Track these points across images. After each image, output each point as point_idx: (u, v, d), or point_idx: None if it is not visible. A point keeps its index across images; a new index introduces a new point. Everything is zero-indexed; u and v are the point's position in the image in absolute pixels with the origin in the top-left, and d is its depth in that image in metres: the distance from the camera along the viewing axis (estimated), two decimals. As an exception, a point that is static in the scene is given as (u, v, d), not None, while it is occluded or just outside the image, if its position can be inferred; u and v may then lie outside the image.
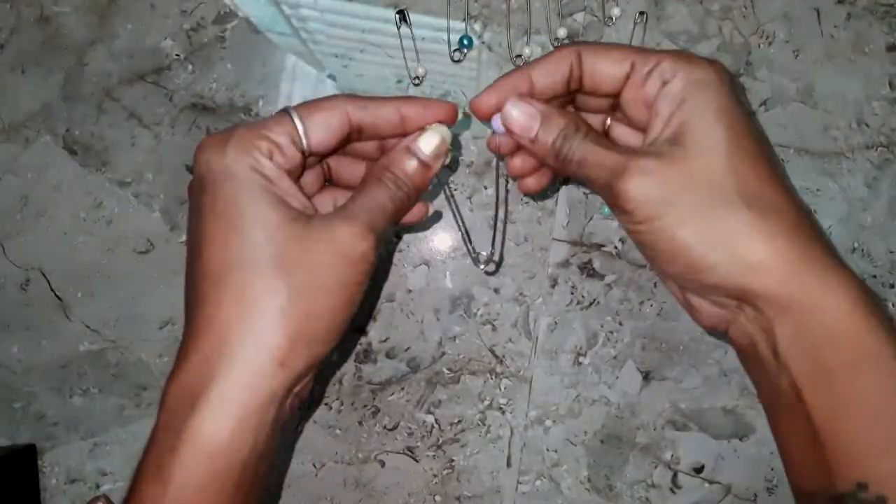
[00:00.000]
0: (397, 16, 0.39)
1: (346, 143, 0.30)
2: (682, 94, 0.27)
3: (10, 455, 0.41)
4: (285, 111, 0.28)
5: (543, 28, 0.41)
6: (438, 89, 0.41)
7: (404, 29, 0.40)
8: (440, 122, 0.30)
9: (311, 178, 0.32)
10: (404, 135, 0.30)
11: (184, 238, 0.41)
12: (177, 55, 0.41)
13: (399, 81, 0.41)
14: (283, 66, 0.41)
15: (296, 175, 0.29)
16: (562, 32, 0.40)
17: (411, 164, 0.29)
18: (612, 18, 0.41)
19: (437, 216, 0.41)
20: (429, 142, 0.29)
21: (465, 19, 0.41)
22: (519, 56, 0.41)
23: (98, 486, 0.42)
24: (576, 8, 0.41)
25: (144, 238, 0.42)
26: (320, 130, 0.28)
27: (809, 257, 0.26)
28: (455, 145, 0.32)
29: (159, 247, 0.42)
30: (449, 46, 0.41)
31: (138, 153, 0.41)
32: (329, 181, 0.34)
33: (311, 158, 0.30)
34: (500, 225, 0.40)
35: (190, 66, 0.41)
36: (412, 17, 0.40)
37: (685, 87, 0.27)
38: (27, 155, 0.41)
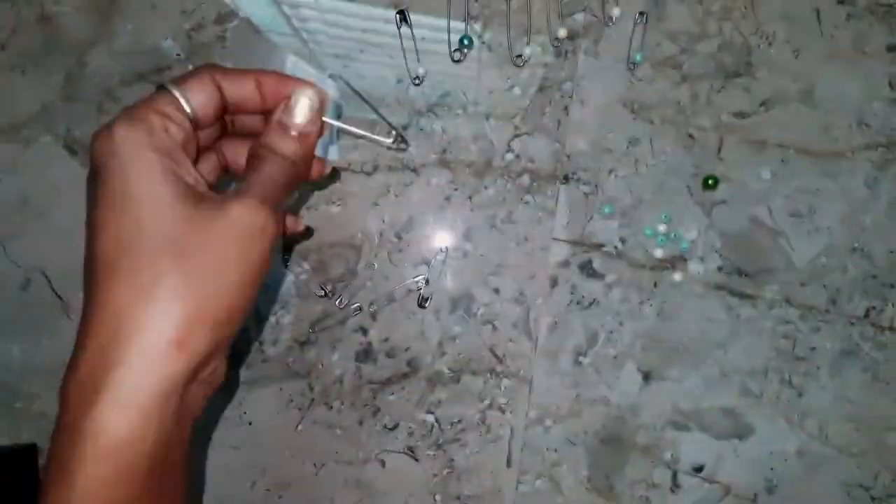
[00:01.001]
0: (397, 16, 0.39)
1: (222, 112, 0.29)
2: None
3: (11, 455, 0.41)
4: (160, 86, 0.27)
5: (543, 28, 0.41)
6: (439, 89, 0.41)
7: (404, 29, 0.40)
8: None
9: (207, 167, 0.31)
10: (265, 110, 0.30)
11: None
12: (177, 55, 0.41)
13: (399, 81, 0.41)
14: (283, 67, 0.41)
15: (191, 152, 0.28)
16: (562, 32, 0.40)
17: (286, 137, 0.29)
18: (612, 18, 0.41)
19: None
20: (298, 111, 0.29)
21: (465, 19, 0.41)
22: (519, 56, 0.41)
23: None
24: (576, 8, 0.41)
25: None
26: (199, 98, 0.27)
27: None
28: (335, 113, 0.32)
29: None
30: (449, 46, 0.41)
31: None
32: (226, 171, 0.33)
33: (200, 134, 0.29)
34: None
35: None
36: (412, 17, 0.40)
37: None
38: (27, 155, 0.41)
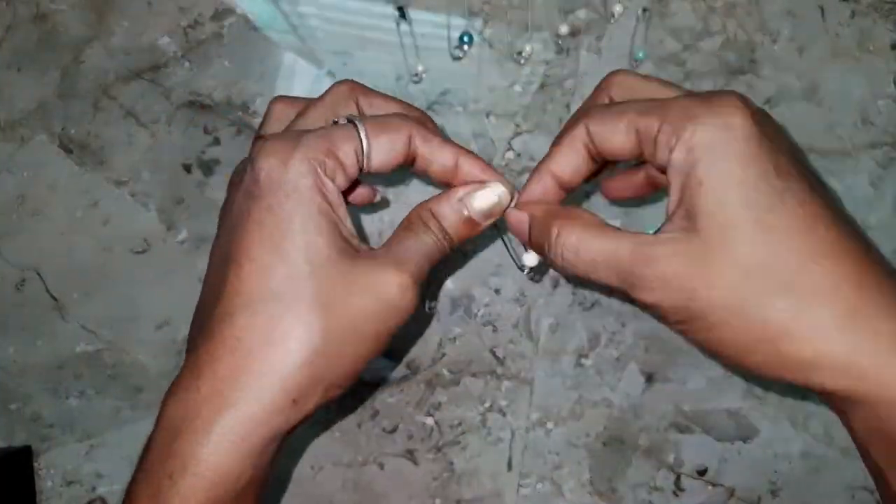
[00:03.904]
0: (397, 12, 0.39)
1: (399, 168, 0.28)
2: (685, 165, 0.23)
3: (6, 457, 0.40)
4: (352, 124, 0.26)
5: (545, 24, 0.40)
6: (438, 87, 0.41)
7: (404, 25, 0.40)
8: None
9: None
10: (448, 184, 0.29)
11: (181, 237, 0.41)
12: (174, 52, 0.41)
13: (399, 79, 0.41)
14: (281, 64, 0.41)
15: (346, 196, 0.27)
16: (563, 29, 0.40)
17: (460, 218, 0.28)
18: (614, 15, 0.40)
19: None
20: (484, 200, 0.28)
21: (465, 16, 0.40)
22: (520, 53, 0.40)
23: (94, 489, 0.42)
24: (578, 4, 0.41)
25: (141, 238, 0.41)
26: (384, 153, 0.26)
27: (872, 342, 0.22)
28: None
29: (156, 247, 0.41)
30: (449, 43, 0.40)
31: (135, 152, 0.41)
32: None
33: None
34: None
35: (187, 64, 0.41)
36: (412, 13, 0.40)
37: (688, 156, 0.23)
38: (23, 153, 0.41)
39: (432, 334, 0.41)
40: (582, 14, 0.41)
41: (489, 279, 0.41)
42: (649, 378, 0.41)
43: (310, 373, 0.24)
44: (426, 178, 0.29)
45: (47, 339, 0.41)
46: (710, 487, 0.41)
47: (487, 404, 0.41)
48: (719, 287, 0.22)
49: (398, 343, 0.41)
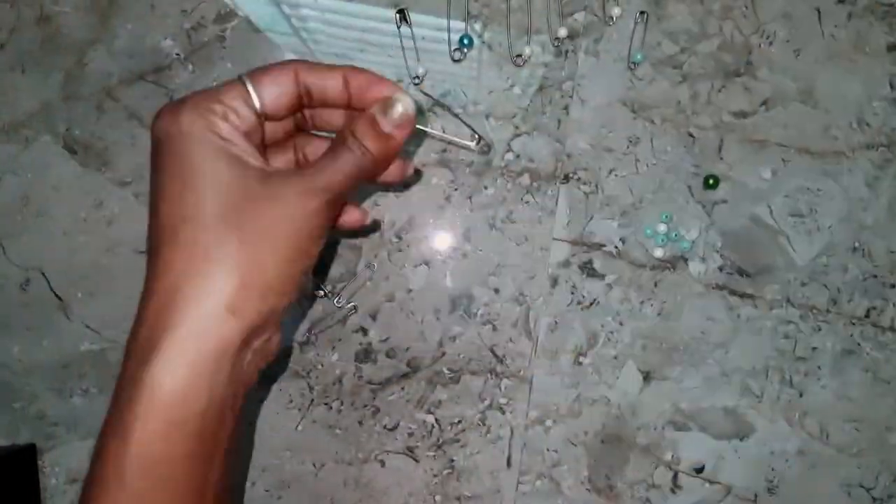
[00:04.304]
0: (397, 15, 0.39)
1: (298, 107, 0.30)
2: None
3: (11, 455, 0.41)
4: (238, 77, 0.28)
5: (544, 27, 0.41)
6: (439, 88, 0.41)
7: (404, 28, 0.40)
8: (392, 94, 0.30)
9: (282, 160, 0.32)
10: (348, 106, 0.30)
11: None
12: (177, 55, 0.41)
13: (399, 81, 0.41)
14: (283, 66, 0.41)
15: (256, 139, 0.29)
16: (562, 32, 0.40)
17: (374, 132, 0.29)
18: (612, 18, 0.41)
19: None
20: (393, 112, 0.29)
21: (465, 19, 0.41)
22: (519, 55, 0.41)
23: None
24: (576, 7, 0.41)
25: (145, 238, 0.41)
26: (272, 92, 0.29)
27: None
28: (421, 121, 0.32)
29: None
30: (449, 46, 0.41)
31: (138, 153, 0.41)
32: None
33: (271, 127, 0.30)
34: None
35: (190, 66, 0.41)
36: (412, 16, 0.40)
37: None
38: (27, 155, 0.41)
39: (433, 333, 0.42)
40: (580, 17, 0.41)
41: (488, 279, 0.41)
42: (647, 377, 0.42)
43: (237, 280, 0.26)
44: (328, 108, 0.31)
45: (52, 339, 0.42)
46: (707, 485, 0.42)
47: (487, 402, 0.42)
48: None
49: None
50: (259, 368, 0.29)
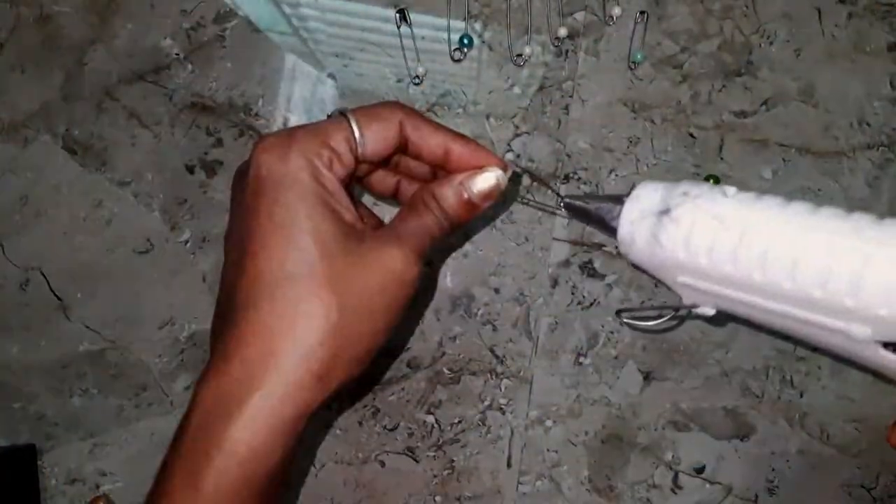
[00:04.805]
0: (397, 15, 0.39)
1: (394, 154, 0.30)
2: None
3: (10, 455, 0.41)
4: (343, 115, 0.28)
5: (544, 27, 0.41)
6: (439, 89, 0.41)
7: (404, 28, 0.40)
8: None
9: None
10: (441, 167, 0.30)
11: (184, 238, 0.41)
12: (176, 54, 0.41)
13: (399, 81, 0.41)
14: (282, 66, 0.41)
15: (347, 184, 0.28)
16: (562, 32, 0.40)
17: (460, 201, 0.29)
18: (612, 17, 0.41)
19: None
20: (483, 184, 0.29)
21: (465, 18, 0.41)
22: (519, 55, 0.41)
23: (98, 487, 0.42)
24: (576, 7, 0.41)
25: (144, 238, 0.41)
26: (376, 139, 0.28)
27: None
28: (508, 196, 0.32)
29: (159, 247, 0.41)
30: (449, 46, 0.41)
31: (138, 153, 0.41)
32: (358, 184, 0.33)
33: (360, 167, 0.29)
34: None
35: (190, 66, 0.41)
36: (412, 16, 0.40)
37: None
38: (27, 154, 0.41)
39: (433, 333, 0.41)
40: (580, 17, 0.41)
41: (489, 279, 0.41)
42: (647, 377, 0.42)
43: (331, 349, 0.26)
44: (419, 160, 0.30)
45: (51, 339, 0.42)
46: (707, 485, 0.42)
47: (487, 402, 0.42)
48: None
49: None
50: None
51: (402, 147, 0.29)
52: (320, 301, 0.25)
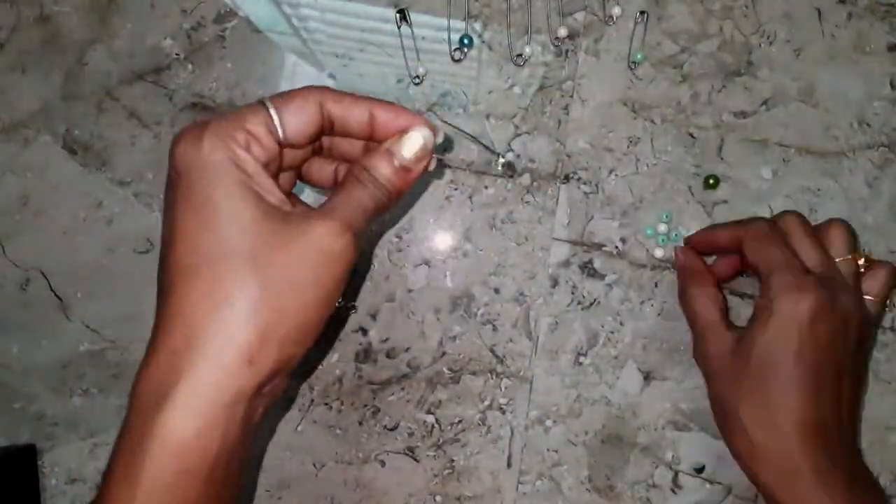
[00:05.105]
0: (397, 15, 0.39)
1: (319, 136, 0.29)
2: (762, 315, 0.34)
3: (10, 455, 0.40)
4: (260, 102, 0.27)
5: (544, 27, 0.41)
6: (439, 88, 0.41)
7: (404, 28, 0.40)
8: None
9: (284, 178, 0.31)
10: (371, 138, 0.30)
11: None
12: (177, 54, 0.41)
13: (399, 81, 0.41)
14: (283, 66, 0.41)
15: (273, 168, 0.28)
16: (562, 32, 0.40)
17: (391, 167, 0.29)
18: (612, 17, 0.41)
19: (442, 167, 0.41)
20: (410, 146, 0.29)
21: (465, 18, 0.41)
22: (519, 55, 0.41)
23: (98, 487, 0.42)
24: (576, 7, 0.41)
25: (144, 238, 0.41)
26: (296, 121, 0.27)
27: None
28: (440, 149, 0.32)
29: (159, 247, 0.41)
30: (449, 46, 0.41)
31: (138, 153, 0.41)
32: (300, 180, 0.33)
33: (287, 153, 0.29)
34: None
35: (190, 66, 0.41)
36: (412, 16, 0.40)
37: (767, 313, 0.34)
38: (27, 154, 0.41)
39: (433, 333, 0.42)
40: (580, 17, 0.41)
41: (489, 279, 0.41)
42: (647, 376, 0.42)
43: (257, 329, 0.25)
44: (350, 139, 0.30)
45: (51, 339, 0.42)
46: (707, 485, 0.42)
47: (487, 402, 0.42)
48: (744, 407, 0.35)
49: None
50: (265, 408, 0.28)
51: (328, 127, 0.29)
52: (239, 281, 0.25)
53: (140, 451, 0.24)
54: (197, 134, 0.26)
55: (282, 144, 0.28)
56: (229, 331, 0.25)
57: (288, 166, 0.30)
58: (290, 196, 0.31)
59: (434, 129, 0.30)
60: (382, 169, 0.28)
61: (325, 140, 0.31)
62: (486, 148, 0.39)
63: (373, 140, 0.30)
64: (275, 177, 0.28)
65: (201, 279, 0.25)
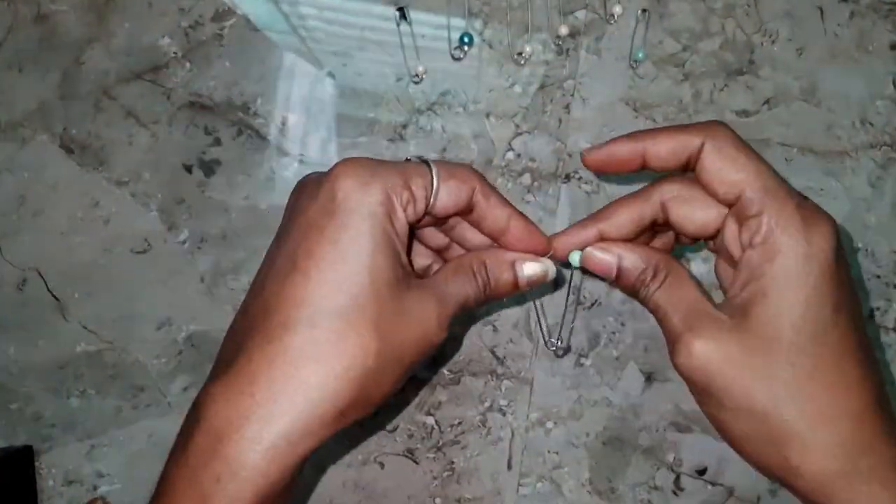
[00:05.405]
0: (397, 13, 0.39)
1: (457, 215, 0.30)
2: (758, 271, 0.26)
3: (7, 457, 0.40)
4: (425, 164, 0.27)
5: (544, 25, 0.41)
6: (439, 87, 0.41)
7: (404, 26, 0.40)
8: (535, 252, 0.30)
9: None
10: (495, 240, 0.30)
11: (182, 238, 0.41)
12: (175, 53, 0.41)
13: (399, 79, 0.41)
14: (281, 64, 0.41)
15: (411, 230, 0.28)
16: (563, 30, 0.40)
17: (506, 277, 0.30)
18: (613, 16, 0.40)
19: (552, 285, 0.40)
20: (534, 270, 0.30)
21: (465, 16, 0.40)
22: (520, 54, 0.40)
23: (95, 488, 0.42)
24: (577, 5, 0.41)
25: (142, 238, 0.41)
26: (449, 197, 0.28)
27: (851, 471, 0.25)
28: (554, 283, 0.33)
29: (157, 247, 0.41)
30: (449, 44, 0.40)
31: (136, 152, 0.41)
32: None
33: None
34: (568, 315, 0.41)
35: (188, 65, 0.41)
36: (412, 14, 0.40)
37: (765, 265, 0.25)
38: (24, 154, 0.41)
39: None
40: (581, 15, 0.41)
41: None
42: (649, 378, 0.41)
43: (359, 391, 0.25)
44: (476, 228, 0.31)
45: (48, 339, 0.42)
46: (709, 487, 0.42)
47: (487, 404, 0.41)
48: (743, 381, 0.26)
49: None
50: None
51: (467, 211, 0.29)
52: (362, 342, 0.25)
53: (216, 482, 0.24)
54: (367, 175, 0.25)
55: (427, 212, 0.28)
56: (336, 385, 0.24)
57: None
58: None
59: (544, 251, 0.31)
60: (499, 275, 0.30)
61: (453, 218, 0.31)
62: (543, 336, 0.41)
63: (494, 242, 0.31)
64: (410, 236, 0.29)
65: (327, 328, 0.24)
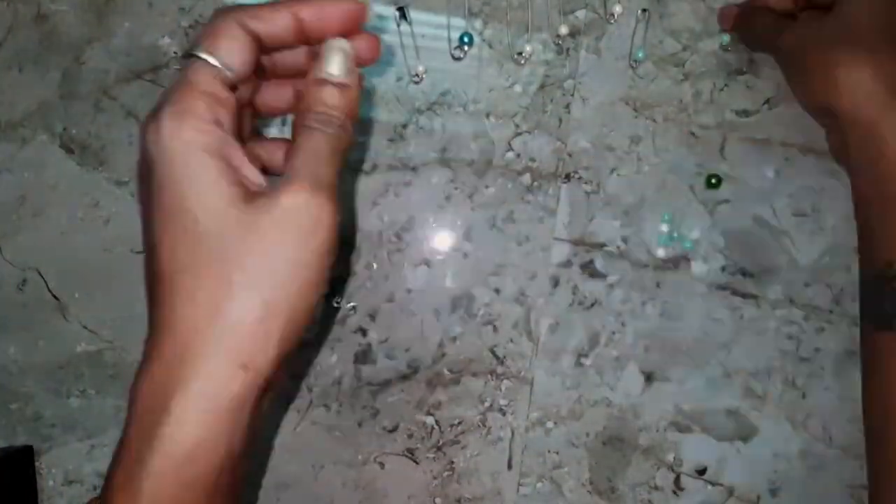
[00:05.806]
0: (397, 13, 0.39)
1: (257, 58, 0.27)
2: None
3: (8, 457, 0.40)
4: (190, 56, 0.25)
5: (545, 25, 0.40)
6: (439, 87, 0.41)
7: (404, 26, 0.40)
8: (339, 33, 0.27)
9: (242, 122, 0.29)
10: (307, 42, 0.28)
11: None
12: (175, 53, 0.41)
13: (399, 79, 0.41)
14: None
15: (235, 123, 0.26)
16: (563, 30, 0.40)
17: (328, 93, 0.26)
18: (613, 15, 0.40)
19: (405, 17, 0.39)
20: (332, 62, 0.27)
21: (465, 16, 0.40)
22: (520, 53, 0.40)
23: (95, 488, 0.42)
24: (577, 5, 0.41)
25: (142, 238, 0.41)
26: (234, 56, 0.25)
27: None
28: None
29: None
30: (449, 44, 0.40)
31: (136, 152, 0.41)
32: (260, 116, 0.31)
33: (238, 90, 0.27)
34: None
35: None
36: (412, 14, 0.40)
37: None
38: (24, 154, 0.41)
39: (433, 333, 0.41)
40: (581, 15, 0.41)
41: (489, 279, 0.41)
42: (649, 378, 0.41)
43: (247, 333, 0.24)
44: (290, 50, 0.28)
45: (48, 339, 0.42)
46: (709, 487, 0.42)
47: (487, 404, 0.41)
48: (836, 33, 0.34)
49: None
50: (272, 402, 0.28)
51: (261, 45, 0.26)
52: (220, 285, 0.24)
53: (140, 463, 0.24)
54: (156, 116, 0.24)
55: (235, 87, 0.26)
56: (218, 338, 0.24)
57: (241, 106, 0.28)
58: (258, 137, 0.30)
59: (356, 15, 0.27)
60: (321, 99, 0.26)
61: (265, 60, 0.28)
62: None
63: (311, 43, 0.28)
64: (238, 128, 0.27)
65: (183, 288, 0.24)
